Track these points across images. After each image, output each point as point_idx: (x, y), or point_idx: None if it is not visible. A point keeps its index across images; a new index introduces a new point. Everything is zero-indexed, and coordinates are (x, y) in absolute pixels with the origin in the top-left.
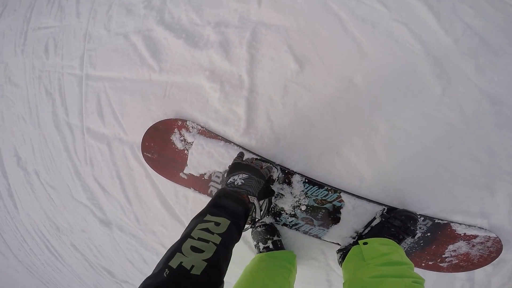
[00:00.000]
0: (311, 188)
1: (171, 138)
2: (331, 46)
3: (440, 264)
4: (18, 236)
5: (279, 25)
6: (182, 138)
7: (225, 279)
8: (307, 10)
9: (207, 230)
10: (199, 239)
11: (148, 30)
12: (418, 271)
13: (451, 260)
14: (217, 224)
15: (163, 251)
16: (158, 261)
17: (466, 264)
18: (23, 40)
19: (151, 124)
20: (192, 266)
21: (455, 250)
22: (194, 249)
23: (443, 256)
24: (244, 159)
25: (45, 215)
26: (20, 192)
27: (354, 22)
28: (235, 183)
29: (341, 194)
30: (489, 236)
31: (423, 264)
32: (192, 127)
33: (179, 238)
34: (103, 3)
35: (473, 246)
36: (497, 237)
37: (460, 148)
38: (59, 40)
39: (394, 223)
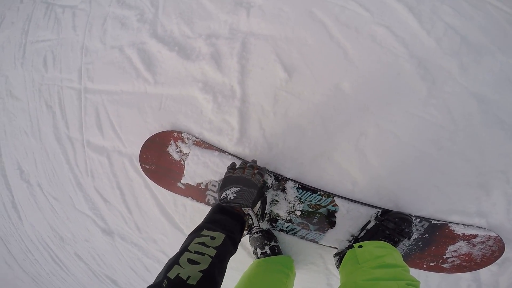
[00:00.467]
0: (304, 193)
1: (167, 149)
2: (318, 54)
3: (442, 265)
4: (23, 247)
5: (268, 35)
6: (178, 150)
7: (224, 284)
8: (293, 18)
9: (203, 244)
10: (196, 252)
11: (142, 43)
12: (420, 273)
13: (453, 261)
14: (213, 238)
15: (164, 259)
16: (160, 269)
17: (469, 264)
18: (22, 53)
19: (148, 136)
20: (188, 277)
21: (456, 251)
22: (190, 261)
23: (444, 257)
24: (237, 166)
25: (48, 226)
26: (23, 203)
27: (338, 28)
28: (228, 198)
29: (335, 198)
30: (489, 235)
31: (424, 266)
32: (188, 139)
33: (177, 251)
34: (98, 16)
35: (474, 245)
36: (498, 236)
37: (450, 149)
38: (57, 53)
39: (388, 225)
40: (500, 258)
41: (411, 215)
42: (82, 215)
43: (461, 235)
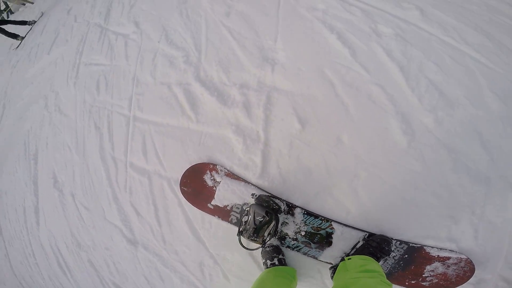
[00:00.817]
0: (309, 218)
1: (203, 177)
2: (326, 109)
3: (422, 283)
4: (28, 250)
5: (288, 90)
6: (212, 178)
7: None
8: (308, 77)
9: None
10: None
11: (188, 84)
12: None
13: (432, 280)
14: None
15: (182, 270)
16: (174, 279)
17: (446, 283)
18: (75, 73)
19: (187, 165)
20: None
21: (433, 270)
22: None
23: (423, 275)
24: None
25: (69, 232)
26: (47, 209)
27: (343, 87)
28: None
29: (332, 223)
30: (460, 258)
31: (406, 283)
32: (220, 170)
33: None
34: (149, 51)
35: (449, 266)
36: (468, 258)
37: (424, 188)
38: (110, 79)
39: (372, 244)
40: (475, 279)
41: (392, 238)
42: (110, 225)
43: (436, 256)
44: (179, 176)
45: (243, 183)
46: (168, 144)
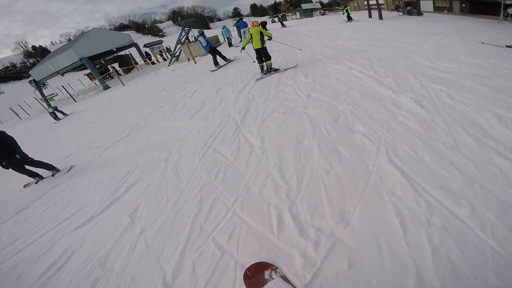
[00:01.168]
0: None
1: (264, 271)
2: (370, 263)
3: None
4: (29, 237)
5: (349, 244)
6: (270, 274)
7: None
8: (367, 241)
9: None
10: None
11: (282, 212)
12: None
13: None
14: None
15: None
16: None
17: None
18: (204, 151)
19: (257, 260)
20: None
21: None
22: None
23: None
24: None
25: (106, 251)
26: (102, 225)
27: (387, 254)
28: None
29: None
30: None
31: None
32: (278, 272)
33: None
34: (264, 170)
35: None
36: None
37: None
38: (228, 174)
39: None
40: None
41: None
42: (157, 266)
43: None
44: (245, 263)
45: (291, 286)
46: (250, 240)
